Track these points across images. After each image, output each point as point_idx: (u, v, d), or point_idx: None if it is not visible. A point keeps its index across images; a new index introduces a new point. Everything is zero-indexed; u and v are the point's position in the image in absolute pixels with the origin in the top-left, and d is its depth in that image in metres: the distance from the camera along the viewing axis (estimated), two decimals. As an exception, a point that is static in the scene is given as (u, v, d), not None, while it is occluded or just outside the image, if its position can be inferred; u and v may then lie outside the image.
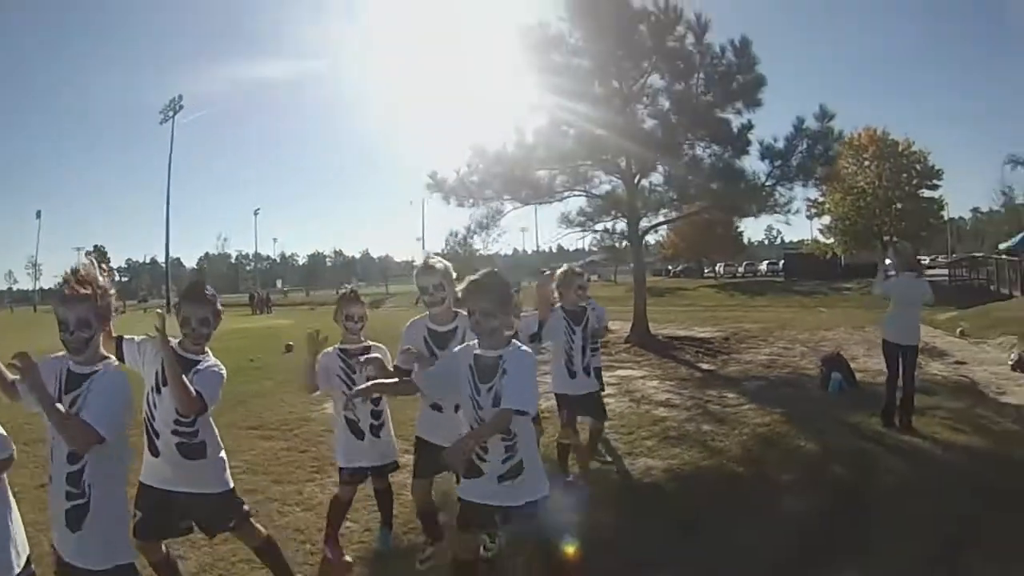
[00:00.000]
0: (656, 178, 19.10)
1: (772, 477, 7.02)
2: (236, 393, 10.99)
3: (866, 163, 49.48)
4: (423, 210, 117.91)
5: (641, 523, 5.70)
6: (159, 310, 4.17)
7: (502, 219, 19.81)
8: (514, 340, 3.64)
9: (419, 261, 4.91)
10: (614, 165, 18.36)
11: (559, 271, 6.68)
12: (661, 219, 20.84)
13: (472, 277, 3.72)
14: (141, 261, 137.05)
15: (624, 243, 21.06)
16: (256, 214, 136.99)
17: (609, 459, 7.48)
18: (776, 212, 18.62)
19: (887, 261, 9.28)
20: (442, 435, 4.41)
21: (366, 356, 4.35)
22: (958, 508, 5.81)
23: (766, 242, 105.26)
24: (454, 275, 4.66)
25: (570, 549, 3.80)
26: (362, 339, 5.08)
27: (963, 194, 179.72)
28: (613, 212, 19.91)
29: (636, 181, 18.52)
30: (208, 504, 4.08)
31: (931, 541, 5.13)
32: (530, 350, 3.72)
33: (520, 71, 17.85)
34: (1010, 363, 13.34)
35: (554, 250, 33.76)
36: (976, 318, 21.04)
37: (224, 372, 3.98)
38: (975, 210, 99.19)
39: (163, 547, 4.13)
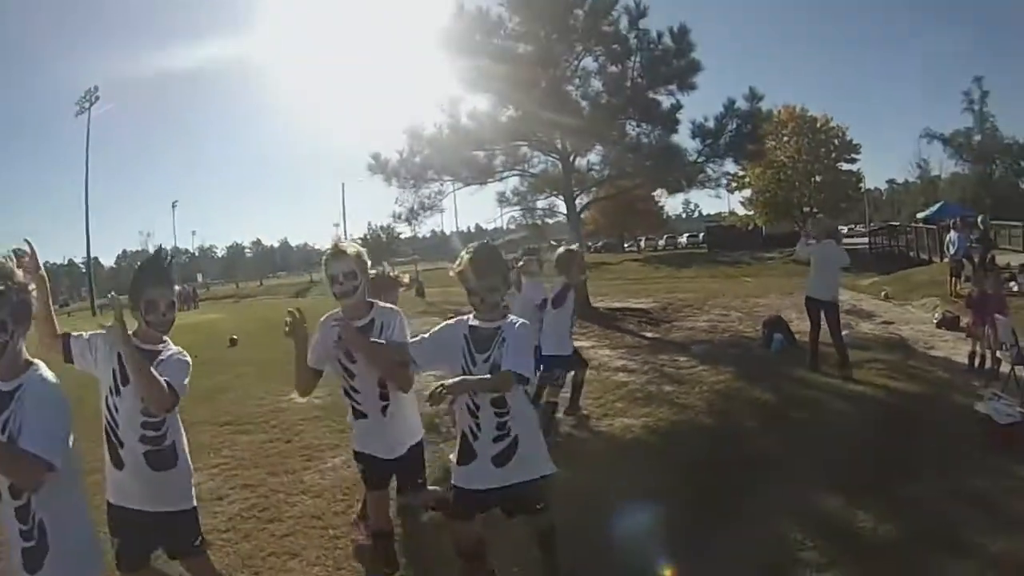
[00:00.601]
0: (593, 157, 19.67)
1: (739, 424, 7.90)
2: (196, 389, 10.75)
3: (785, 139, 50.97)
4: (343, 196, 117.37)
5: (643, 470, 6.33)
6: (112, 293, 3.66)
7: (443, 199, 20.01)
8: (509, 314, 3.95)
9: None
10: (550, 145, 18.79)
11: (563, 251, 7.82)
12: (595, 196, 21.47)
13: (470, 254, 3.81)
14: (59, 263, 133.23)
15: (548, 220, 21.60)
16: (175, 207, 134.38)
17: (586, 413, 8.24)
18: (706, 187, 19.56)
19: (808, 230, 10.61)
20: (375, 444, 4.23)
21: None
22: (897, 439, 6.87)
23: (684, 215, 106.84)
24: (368, 261, 4.18)
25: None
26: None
27: (879, 166, 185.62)
28: (547, 191, 20.41)
29: (572, 160, 19.01)
30: (177, 525, 3.72)
31: (871, 466, 6.04)
32: (527, 322, 3.95)
33: (455, 55, 17.94)
34: (935, 321, 14.47)
35: (472, 229, 33.93)
36: (898, 282, 22.16)
37: (189, 359, 3.62)
38: (891, 181, 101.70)
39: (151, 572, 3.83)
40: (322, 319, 4.15)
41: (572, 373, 8.04)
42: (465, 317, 3.82)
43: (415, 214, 20.02)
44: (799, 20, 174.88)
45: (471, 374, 3.59)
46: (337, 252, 4.07)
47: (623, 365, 11.03)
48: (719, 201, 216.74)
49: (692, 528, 4.98)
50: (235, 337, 18.09)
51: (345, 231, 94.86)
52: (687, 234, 79.78)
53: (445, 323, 3.91)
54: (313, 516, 5.57)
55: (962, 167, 73.43)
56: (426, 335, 3.88)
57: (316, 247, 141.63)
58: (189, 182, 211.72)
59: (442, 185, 19.48)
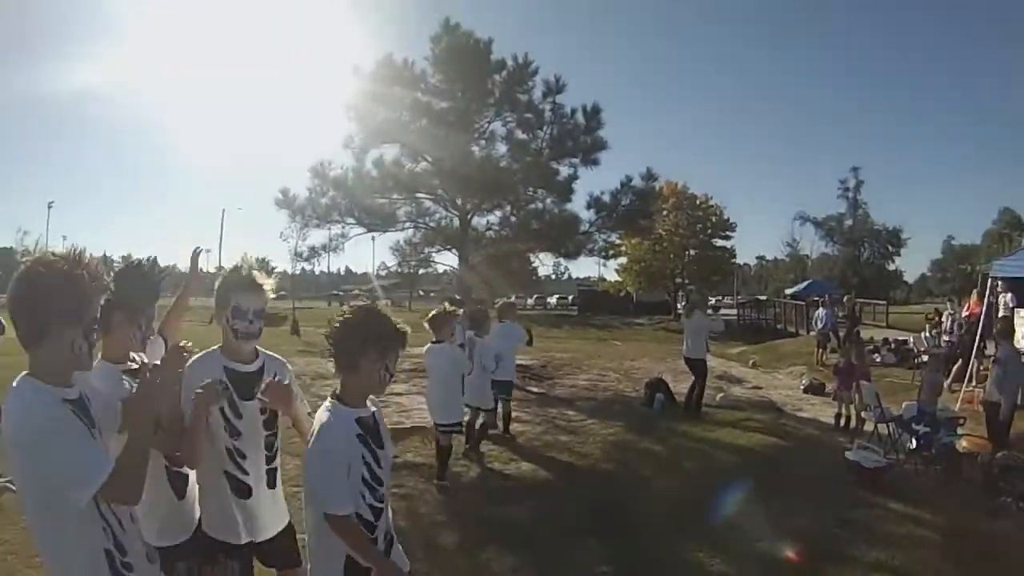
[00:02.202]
0: (492, 217, 20.39)
1: (636, 471, 8.84)
2: None
3: (665, 212, 52.98)
4: (221, 222, 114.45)
5: (555, 507, 7.20)
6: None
7: (345, 243, 20.16)
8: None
9: (244, 272, 3.64)
10: (451, 201, 19.36)
11: (505, 303, 11.07)
12: (488, 254, 22.17)
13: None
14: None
15: (420, 270, 22.13)
16: (51, 207, 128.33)
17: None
18: (594, 255, 20.85)
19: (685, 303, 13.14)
20: (251, 525, 3.51)
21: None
22: (783, 483, 8.22)
23: (553, 276, 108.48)
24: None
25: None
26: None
27: (750, 243, 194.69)
28: (439, 245, 21.07)
29: (470, 218, 19.63)
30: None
31: (763, 504, 7.17)
32: None
33: (374, 102, 18.23)
34: (802, 387, 16.12)
35: (342, 272, 33.91)
36: (765, 352, 23.74)
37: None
38: (760, 258, 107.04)
39: None
40: (193, 360, 3.29)
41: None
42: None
43: (315, 253, 20.17)
44: (689, 100, 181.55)
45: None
46: (252, 284, 3.53)
47: (517, 416, 11.55)
48: (589, 265, 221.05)
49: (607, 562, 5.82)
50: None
51: (220, 258, 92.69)
52: (557, 295, 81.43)
53: None
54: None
55: (832, 248, 78.62)
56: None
57: (185, 271, 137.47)
58: (67, 184, 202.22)
59: (344, 228, 19.64)
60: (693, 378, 12.48)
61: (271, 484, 3.50)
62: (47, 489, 2.30)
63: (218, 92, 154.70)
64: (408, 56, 18.48)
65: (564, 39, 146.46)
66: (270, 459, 3.50)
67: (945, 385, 12.74)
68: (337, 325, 3.04)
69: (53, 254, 2.40)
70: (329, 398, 3.09)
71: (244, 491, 3.39)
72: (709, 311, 13.69)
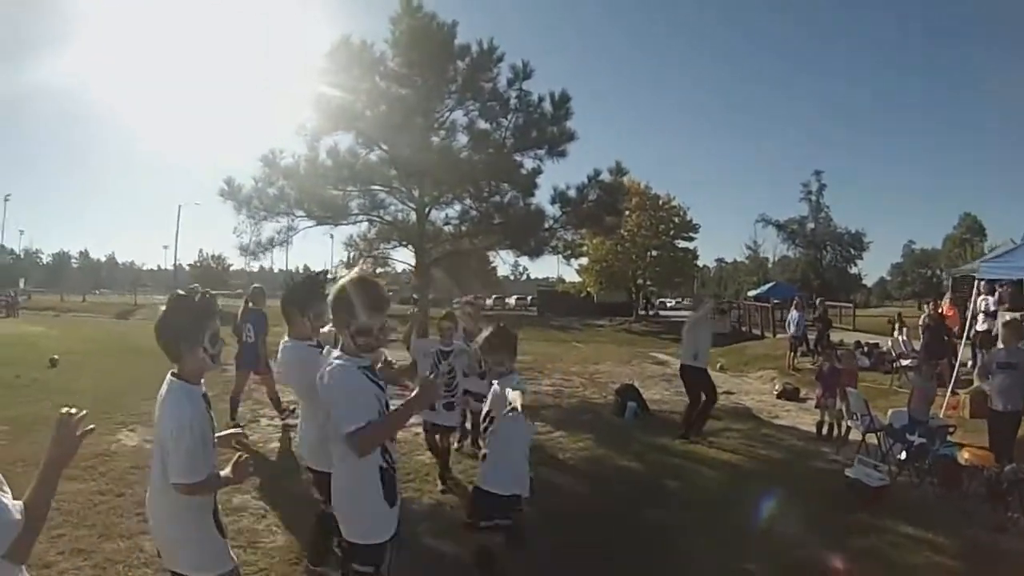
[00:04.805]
0: (451, 211, 19.43)
1: (614, 495, 7.91)
2: (13, 418, 9.96)
3: (628, 212, 52.60)
4: (177, 218, 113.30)
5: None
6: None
7: (294, 236, 18.99)
8: None
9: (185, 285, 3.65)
10: (408, 194, 18.50)
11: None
12: (446, 251, 21.18)
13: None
14: None
15: (379, 268, 21.33)
16: (7, 200, 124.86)
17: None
18: (557, 253, 19.85)
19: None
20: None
21: None
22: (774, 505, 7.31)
23: (512, 277, 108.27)
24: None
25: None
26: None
27: (710, 245, 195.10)
28: (394, 241, 20.30)
29: (427, 212, 18.76)
30: None
31: (756, 533, 6.50)
32: None
33: (329, 86, 17.23)
34: (775, 392, 15.33)
35: (300, 269, 33.08)
36: (732, 355, 23.18)
37: None
38: (720, 260, 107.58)
39: None
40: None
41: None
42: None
43: (262, 248, 18.80)
44: (650, 98, 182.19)
45: None
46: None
47: (474, 427, 10.85)
48: (548, 265, 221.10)
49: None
50: (56, 357, 16.72)
51: (176, 255, 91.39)
52: (516, 296, 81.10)
53: None
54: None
55: (793, 251, 79.11)
56: None
57: (144, 267, 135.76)
58: (23, 177, 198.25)
59: (293, 221, 18.50)
60: (686, 391, 11.16)
61: None
62: None
63: (170, 80, 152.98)
64: (367, 38, 17.55)
65: (530, 24, 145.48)
66: None
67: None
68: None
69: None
70: None
71: None
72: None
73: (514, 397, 4.35)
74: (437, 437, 7.96)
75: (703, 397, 10.74)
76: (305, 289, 4.75)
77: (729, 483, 8.40)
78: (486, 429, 4.94)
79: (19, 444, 8.44)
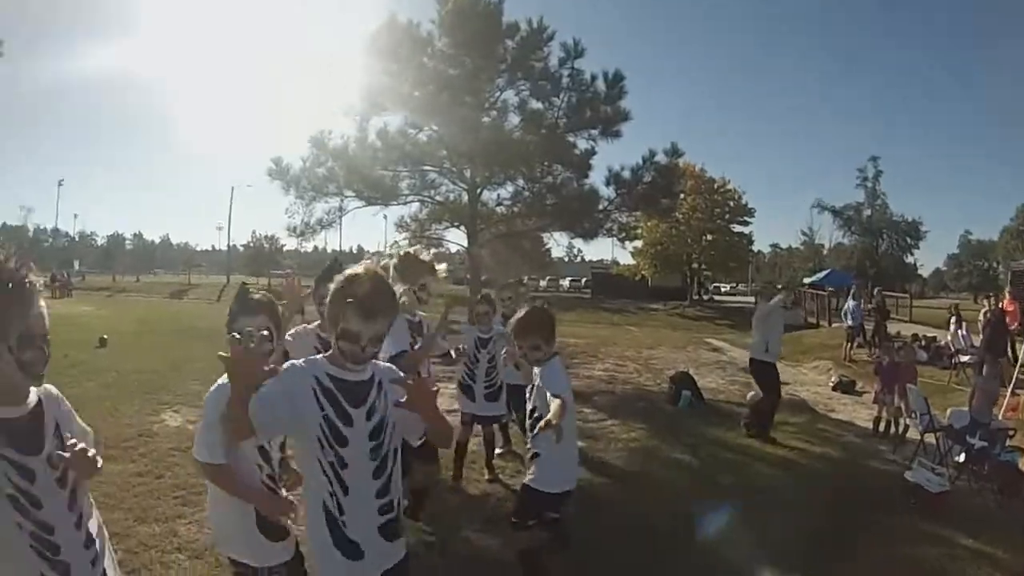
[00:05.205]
0: (503, 192, 19.16)
1: (667, 489, 7.43)
2: None
3: (683, 195, 51.98)
4: (231, 200, 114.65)
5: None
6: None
7: (344, 217, 19.14)
8: None
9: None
10: (459, 174, 18.28)
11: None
12: (498, 232, 20.89)
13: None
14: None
15: (432, 249, 21.21)
16: (60, 186, 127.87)
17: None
18: (612, 235, 19.32)
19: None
20: None
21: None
22: (828, 507, 6.85)
23: (566, 259, 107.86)
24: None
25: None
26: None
27: (765, 230, 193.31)
28: (446, 222, 20.06)
29: (479, 193, 18.53)
30: None
31: (807, 535, 5.95)
32: None
33: (376, 65, 17.15)
34: (831, 384, 14.76)
35: (354, 250, 33.10)
36: (788, 343, 22.40)
37: None
38: (775, 245, 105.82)
39: None
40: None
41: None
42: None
43: (311, 229, 18.95)
44: (708, 82, 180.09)
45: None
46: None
47: (527, 414, 10.50)
48: (603, 247, 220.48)
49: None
50: (105, 337, 16.66)
51: (229, 236, 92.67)
52: (570, 278, 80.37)
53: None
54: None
55: (849, 238, 77.38)
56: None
57: (197, 247, 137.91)
58: (77, 163, 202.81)
59: (343, 201, 18.60)
60: (758, 386, 10.39)
61: None
62: None
63: (221, 65, 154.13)
64: (414, 18, 17.35)
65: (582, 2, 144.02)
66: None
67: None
68: None
69: None
70: None
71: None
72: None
73: (554, 410, 3.81)
74: (479, 428, 7.43)
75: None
76: (320, 275, 4.32)
77: (783, 480, 7.93)
78: (532, 427, 4.30)
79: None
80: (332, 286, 2.73)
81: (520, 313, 4.54)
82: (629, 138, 17.55)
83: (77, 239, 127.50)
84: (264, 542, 3.18)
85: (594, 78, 17.16)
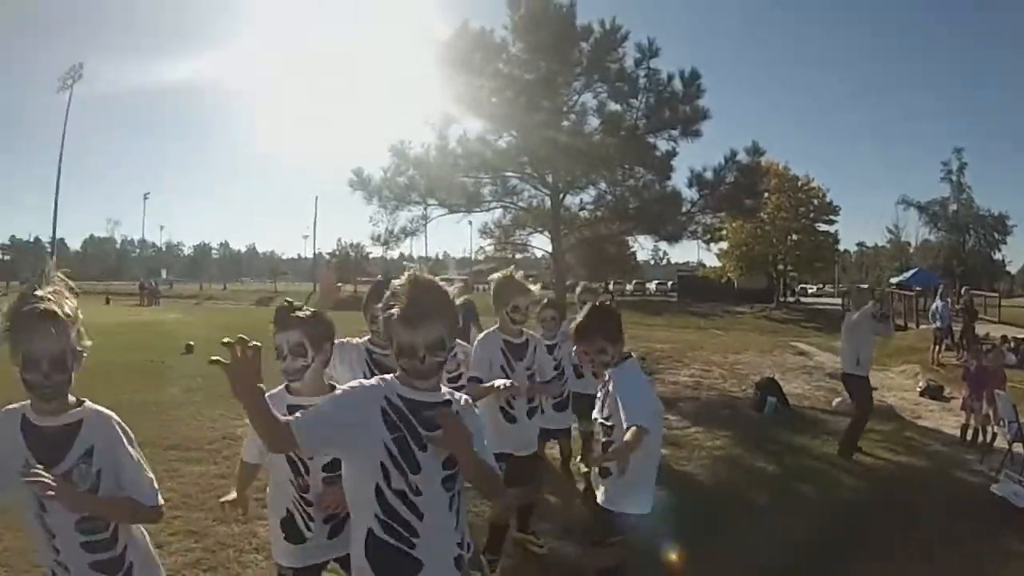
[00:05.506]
0: (586, 196, 18.99)
1: (744, 496, 7.43)
2: (142, 403, 9.99)
3: (767, 194, 51.18)
4: (315, 209, 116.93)
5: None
6: None
7: (428, 224, 19.17)
8: None
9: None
10: (541, 179, 18.15)
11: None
12: (582, 236, 20.75)
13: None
14: (25, 240, 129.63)
15: (521, 255, 21.90)
16: (146, 198, 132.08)
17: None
18: (696, 237, 19.11)
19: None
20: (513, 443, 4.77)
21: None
22: (910, 518, 6.62)
23: (652, 262, 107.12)
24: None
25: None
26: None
27: (851, 228, 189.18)
28: (529, 227, 19.94)
29: (562, 198, 18.38)
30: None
31: (887, 547, 5.84)
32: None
33: (451, 73, 17.07)
34: (918, 390, 14.27)
35: (440, 256, 33.39)
36: (875, 347, 21.89)
37: None
38: (861, 244, 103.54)
39: None
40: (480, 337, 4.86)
41: None
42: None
43: (394, 237, 19.01)
44: (788, 79, 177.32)
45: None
46: (526, 288, 4.76)
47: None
48: (689, 249, 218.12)
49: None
50: (192, 343, 17.20)
51: (314, 244, 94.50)
52: (656, 281, 79.87)
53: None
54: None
55: (935, 235, 74.88)
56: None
57: (283, 256, 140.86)
58: (162, 176, 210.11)
59: (425, 209, 18.55)
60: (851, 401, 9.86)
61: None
62: None
63: (302, 77, 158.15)
64: (485, 24, 17.31)
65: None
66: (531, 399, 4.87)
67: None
68: None
69: None
70: None
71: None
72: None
73: (627, 438, 3.45)
74: (546, 444, 6.87)
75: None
76: (368, 293, 4.36)
77: (867, 492, 7.72)
78: (607, 445, 3.96)
79: (143, 427, 8.37)
80: (379, 305, 2.67)
81: (579, 316, 4.19)
82: (709, 138, 17.28)
83: (164, 249, 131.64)
84: (284, 544, 3.26)
85: (670, 77, 16.91)
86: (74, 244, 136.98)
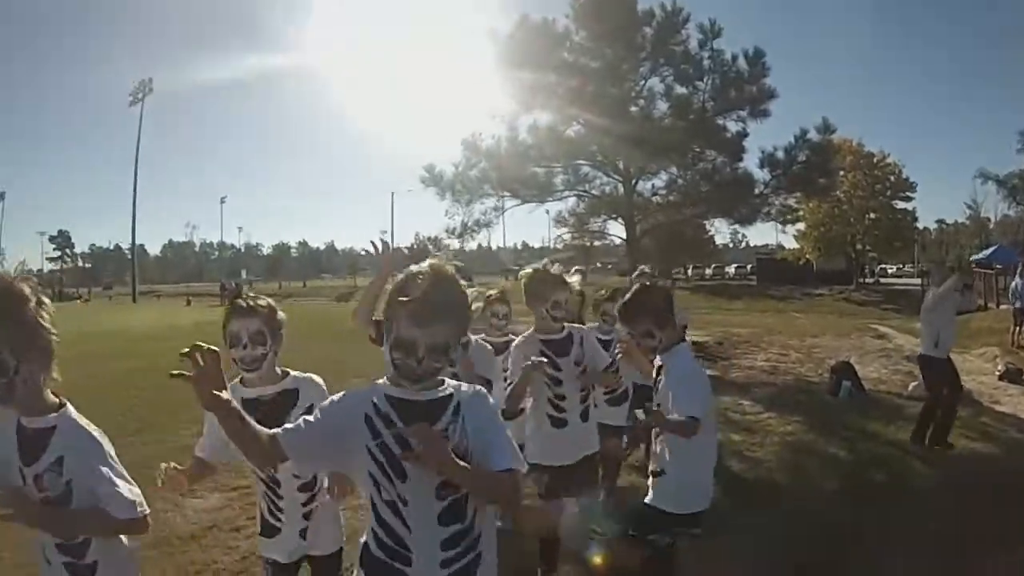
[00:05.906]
0: (658, 181, 19.07)
1: (815, 484, 7.25)
2: None
3: (842, 172, 50.16)
4: (391, 205, 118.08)
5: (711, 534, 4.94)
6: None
7: (501, 216, 19.36)
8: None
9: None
10: (612, 166, 18.24)
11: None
12: (657, 222, 20.64)
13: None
14: (105, 247, 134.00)
15: (598, 242, 22.21)
16: (223, 202, 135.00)
17: None
18: (772, 219, 18.97)
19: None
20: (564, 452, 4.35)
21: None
22: (987, 510, 6.18)
23: (731, 245, 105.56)
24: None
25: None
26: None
27: (930, 205, 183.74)
28: (603, 214, 19.98)
29: (634, 184, 18.45)
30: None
31: (962, 540, 5.51)
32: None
33: (516, 65, 17.15)
34: (997, 373, 13.83)
35: (519, 247, 33.35)
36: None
37: None
38: (940, 221, 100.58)
39: None
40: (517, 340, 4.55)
41: None
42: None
43: (469, 229, 19.31)
44: (855, 53, 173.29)
45: None
46: (564, 281, 4.31)
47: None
48: (767, 232, 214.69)
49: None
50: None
51: (392, 239, 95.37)
52: (735, 265, 79.10)
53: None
54: (344, 568, 4.92)
55: (1014, 209, 72.15)
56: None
57: (362, 252, 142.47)
58: (238, 179, 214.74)
59: (499, 201, 18.85)
60: (925, 386, 9.22)
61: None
62: None
63: (370, 76, 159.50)
64: (547, 15, 17.44)
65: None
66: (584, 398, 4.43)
67: None
68: None
69: None
70: None
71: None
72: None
73: (675, 419, 3.32)
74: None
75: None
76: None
77: (940, 481, 7.40)
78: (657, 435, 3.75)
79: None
80: (388, 286, 2.40)
81: (625, 296, 3.95)
82: (778, 117, 17.29)
83: (243, 250, 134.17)
84: (261, 537, 3.32)
85: (735, 57, 16.91)
86: (154, 249, 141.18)
